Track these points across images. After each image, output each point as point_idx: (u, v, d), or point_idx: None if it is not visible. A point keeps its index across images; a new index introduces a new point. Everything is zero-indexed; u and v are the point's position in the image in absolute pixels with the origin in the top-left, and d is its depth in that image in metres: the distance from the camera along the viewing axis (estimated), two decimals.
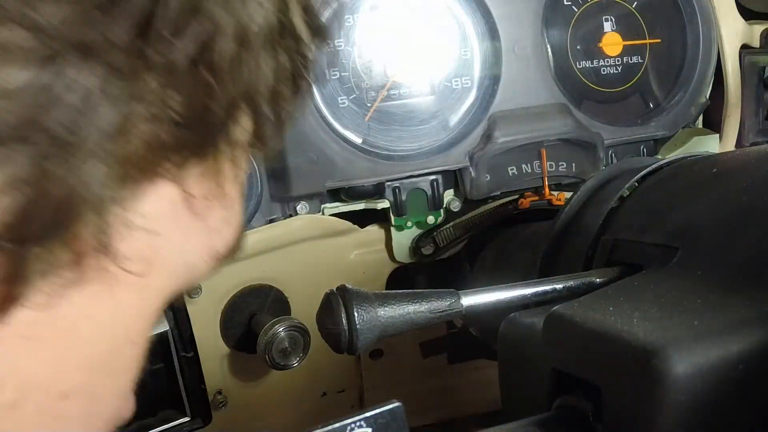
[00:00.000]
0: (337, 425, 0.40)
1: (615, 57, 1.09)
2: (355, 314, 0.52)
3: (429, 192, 1.03)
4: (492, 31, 1.03)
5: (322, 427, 0.39)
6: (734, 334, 0.42)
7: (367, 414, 0.40)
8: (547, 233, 0.71)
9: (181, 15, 0.41)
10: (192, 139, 0.43)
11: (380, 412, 0.40)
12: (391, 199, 1.02)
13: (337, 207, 1.03)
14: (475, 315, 0.57)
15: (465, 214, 1.05)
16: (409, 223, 1.04)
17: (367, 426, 0.40)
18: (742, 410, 0.42)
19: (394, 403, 0.41)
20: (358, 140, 1.00)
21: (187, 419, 1.02)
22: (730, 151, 1.06)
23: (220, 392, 1.04)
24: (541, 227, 0.90)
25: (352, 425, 0.40)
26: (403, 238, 1.05)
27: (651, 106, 1.11)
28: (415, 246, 1.05)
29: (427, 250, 1.04)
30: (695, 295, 0.47)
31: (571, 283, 0.58)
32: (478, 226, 1.03)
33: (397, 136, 1.02)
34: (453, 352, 1.15)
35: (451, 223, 1.04)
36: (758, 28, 1.12)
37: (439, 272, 1.09)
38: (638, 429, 0.41)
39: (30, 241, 0.39)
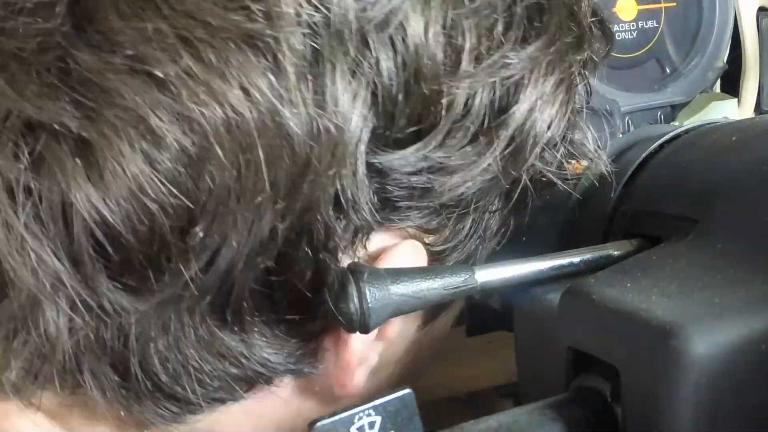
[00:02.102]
0: (345, 414, 0.39)
1: (630, 22, 1.07)
2: (367, 293, 0.50)
3: None
4: None
5: (330, 417, 0.38)
6: (756, 312, 0.40)
7: (376, 402, 0.39)
8: (565, 202, 0.70)
9: None
10: None
11: (390, 400, 0.40)
12: None
13: None
14: (491, 290, 0.56)
15: None
16: None
17: (377, 414, 0.39)
18: (765, 391, 0.40)
19: (404, 390, 0.40)
20: None
21: None
22: (749, 118, 1.04)
23: None
24: (559, 191, 0.89)
25: (361, 414, 0.39)
26: None
27: (667, 71, 1.09)
28: None
29: None
30: (715, 270, 0.45)
31: (588, 256, 0.57)
32: None
33: None
34: (472, 324, 1.14)
35: None
36: None
37: None
38: (658, 411, 0.40)
39: None
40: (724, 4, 1.08)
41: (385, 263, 0.52)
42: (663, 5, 1.08)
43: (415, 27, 0.46)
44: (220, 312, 0.49)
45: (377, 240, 0.53)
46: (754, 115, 1.11)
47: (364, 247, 0.53)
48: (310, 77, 0.44)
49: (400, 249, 0.53)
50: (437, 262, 0.57)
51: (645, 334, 0.41)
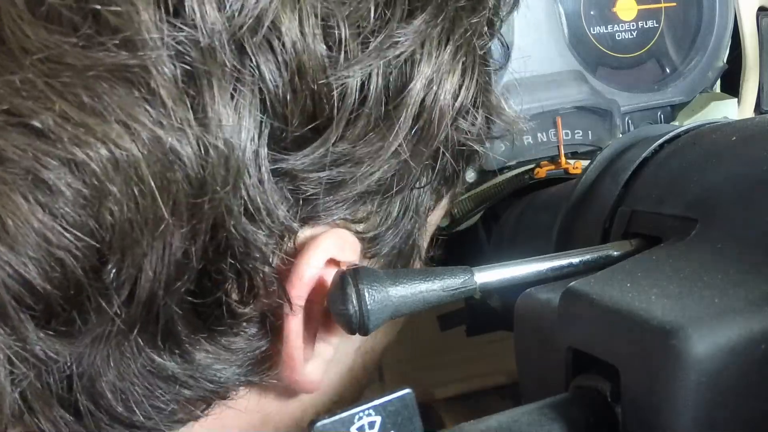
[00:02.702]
0: (345, 414, 0.39)
1: (630, 22, 1.07)
2: (366, 295, 0.50)
3: None
4: None
5: (330, 417, 0.38)
6: (756, 312, 0.40)
7: (376, 402, 0.39)
8: (564, 202, 0.70)
9: None
10: None
11: (390, 400, 0.39)
12: None
13: None
14: (490, 291, 0.56)
15: (480, 185, 1.03)
16: None
17: (377, 414, 0.39)
18: (765, 391, 0.40)
19: (404, 390, 0.40)
20: None
21: None
22: (749, 118, 1.04)
23: None
24: (558, 191, 0.89)
25: (361, 414, 0.39)
26: None
27: (667, 71, 1.09)
28: None
29: (443, 222, 1.03)
30: (715, 270, 0.45)
31: (587, 257, 0.57)
32: (495, 197, 1.02)
33: None
34: (472, 325, 1.14)
35: (467, 195, 1.03)
36: None
37: (456, 244, 1.08)
38: (658, 411, 0.40)
39: None
40: (724, 4, 1.08)
41: (309, 256, 0.52)
42: (663, 5, 1.08)
43: (289, 24, 0.46)
44: (154, 339, 0.49)
45: (306, 235, 0.53)
46: (754, 115, 1.11)
47: (294, 244, 0.52)
48: (187, 98, 0.43)
49: (323, 240, 0.53)
50: (372, 247, 0.57)
51: (645, 334, 0.41)
